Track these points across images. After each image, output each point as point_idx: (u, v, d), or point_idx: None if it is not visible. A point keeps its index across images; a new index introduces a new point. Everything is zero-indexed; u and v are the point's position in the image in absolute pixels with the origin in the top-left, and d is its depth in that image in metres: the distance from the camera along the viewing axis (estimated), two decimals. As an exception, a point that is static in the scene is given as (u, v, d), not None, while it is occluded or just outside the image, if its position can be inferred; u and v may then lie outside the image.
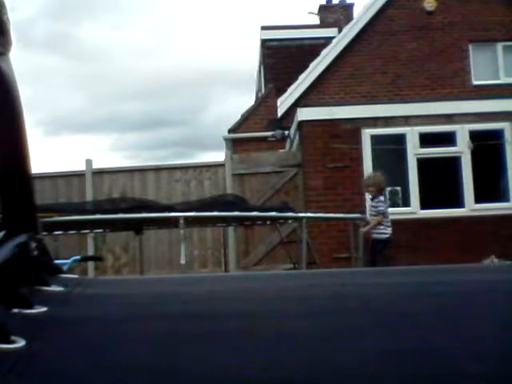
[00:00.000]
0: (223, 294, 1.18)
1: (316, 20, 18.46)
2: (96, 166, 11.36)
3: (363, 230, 8.97)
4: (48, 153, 48.58)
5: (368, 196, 9.38)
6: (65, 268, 5.00)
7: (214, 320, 0.98)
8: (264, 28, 17.30)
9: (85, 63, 48.32)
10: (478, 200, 10.91)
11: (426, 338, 0.89)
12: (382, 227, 8.63)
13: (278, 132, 15.12)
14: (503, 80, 14.14)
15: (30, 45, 47.71)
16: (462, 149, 11.00)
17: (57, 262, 1.42)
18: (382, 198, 8.83)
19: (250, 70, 24.81)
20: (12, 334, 0.82)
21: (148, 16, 55.33)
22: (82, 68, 48.39)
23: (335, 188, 10.85)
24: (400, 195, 11.24)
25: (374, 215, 8.79)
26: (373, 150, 11.02)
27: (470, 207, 10.92)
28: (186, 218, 7.07)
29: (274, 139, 15.18)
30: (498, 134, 11.12)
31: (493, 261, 9.53)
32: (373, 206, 8.91)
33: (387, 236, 8.67)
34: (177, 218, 7.06)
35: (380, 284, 1.23)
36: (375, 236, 8.67)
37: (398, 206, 11.15)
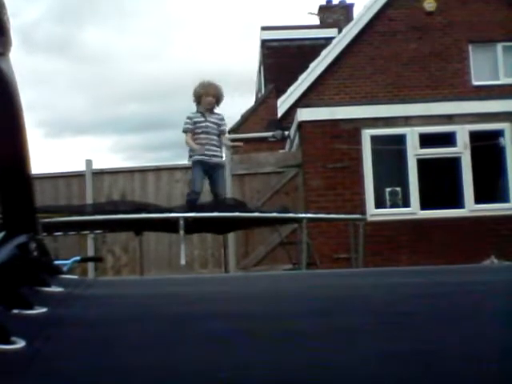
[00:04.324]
0: (222, 295, 1.18)
1: (316, 20, 18.50)
2: (96, 166, 11.36)
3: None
4: (49, 154, 48.59)
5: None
6: (65, 269, 5.00)
7: (214, 320, 0.98)
8: (264, 28, 17.31)
9: (86, 66, 48.35)
10: (477, 200, 10.91)
11: (425, 338, 0.89)
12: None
13: (278, 132, 15.13)
14: (503, 80, 14.15)
15: (32, 47, 47.83)
16: (462, 149, 11.00)
17: (57, 262, 1.42)
18: (220, 114, 7.30)
19: (250, 71, 24.83)
20: (12, 334, 0.82)
21: (149, 19, 55.37)
22: (83, 70, 48.45)
23: (335, 188, 10.85)
24: (400, 196, 11.23)
25: (217, 134, 7.21)
26: (373, 150, 11.01)
27: (470, 208, 10.92)
28: (185, 218, 7.05)
29: (274, 140, 15.20)
30: (497, 135, 11.12)
31: (493, 261, 9.52)
32: (214, 123, 7.18)
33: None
34: (176, 221, 7.04)
35: (381, 285, 1.24)
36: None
37: (397, 207, 11.15)
